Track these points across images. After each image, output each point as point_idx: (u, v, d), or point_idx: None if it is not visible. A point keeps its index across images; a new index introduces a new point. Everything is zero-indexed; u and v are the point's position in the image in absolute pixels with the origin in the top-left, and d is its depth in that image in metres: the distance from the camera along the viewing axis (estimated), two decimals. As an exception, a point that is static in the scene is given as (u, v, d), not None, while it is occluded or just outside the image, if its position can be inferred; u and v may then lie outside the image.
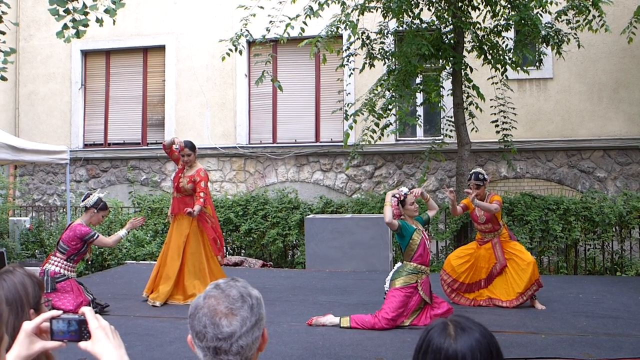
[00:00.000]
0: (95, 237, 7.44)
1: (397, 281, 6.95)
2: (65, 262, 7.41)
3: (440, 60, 11.64)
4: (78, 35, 7.32)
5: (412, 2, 11.03)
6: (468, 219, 11.57)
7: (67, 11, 7.35)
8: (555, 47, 11.30)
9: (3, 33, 8.49)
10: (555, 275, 11.25)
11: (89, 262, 11.91)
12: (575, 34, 11.20)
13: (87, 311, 1.85)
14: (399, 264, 7.25)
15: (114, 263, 12.31)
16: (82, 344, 1.84)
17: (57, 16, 7.24)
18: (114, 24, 8.38)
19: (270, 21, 10.33)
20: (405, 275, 6.94)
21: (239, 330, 1.83)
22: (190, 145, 8.58)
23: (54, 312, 1.88)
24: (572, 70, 13.52)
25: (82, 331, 1.85)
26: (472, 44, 11.49)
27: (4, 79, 8.53)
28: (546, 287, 9.26)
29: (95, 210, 7.60)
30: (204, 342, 1.84)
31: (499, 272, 8.02)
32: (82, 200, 7.68)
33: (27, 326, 1.85)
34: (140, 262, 12.27)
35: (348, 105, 12.21)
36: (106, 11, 7.30)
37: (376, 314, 6.79)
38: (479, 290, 8.13)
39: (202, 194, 8.24)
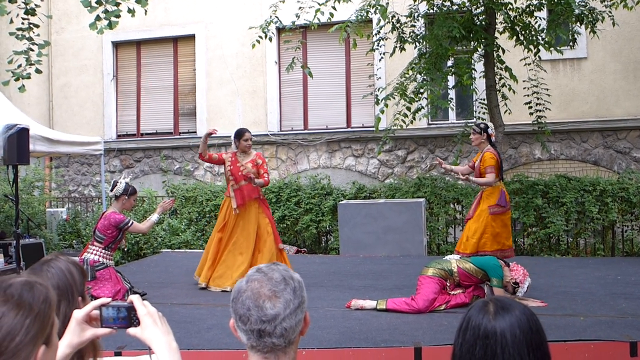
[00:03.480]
0: (129, 224, 7.51)
1: (429, 270, 6.92)
2: (103, 251, 7.50)
3: (472, 43, 11.52)
4: (110, 26, 7.37)
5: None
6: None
7: (99, 2, 7.40)
8: (589, 26, 11.09)
9: (37, 26, 8.57)
10: (592, 257, 11.12)
11: (125, 250, 12.07)
12: (610, 11, 11.00)
13: (136, 298, 1.88)
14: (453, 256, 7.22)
15: (149, 252, 12.45)
16: (132, 330, 1.87)
17: (89, 8, 7.29)
18: (145, 14, 8.41)
19: (300, 7, 10.31)
20: (439, 270, 6.90)
21: (282, 312, 1.84)
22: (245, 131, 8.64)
23: (104, 300, 1.91)
24: (606, 49, 13.29)
25: (131, 318, 1.88)
26: (504, 25, 11.34)
27: (38, 71, 8.62)
28: (584, 269, 9.17)
29: (126, 197, 7.65)
30: (247, 325, 1.85)
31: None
32: (111, 190, 7.73)
33: (78, 314, 1.89)
34: (176, 250, 12.39)
35: (379, 90, 12.15)
36: (137, 1, 7.33)
37: (412, 297, 6.78)
38: None
39: (266, 175, 8.41)
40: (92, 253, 7.50)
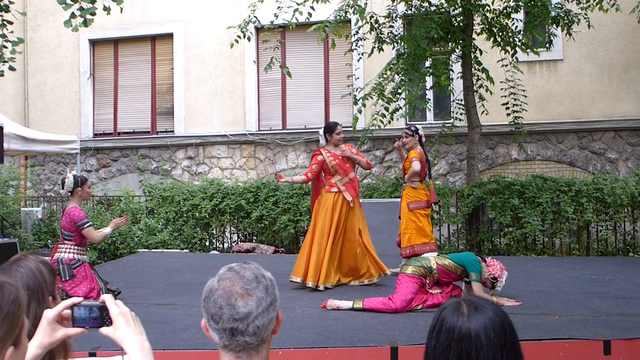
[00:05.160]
0: (85, 226, 7.41)
1: (408, 268, 6.93)
2: (75, 248, 7.43)
3: (450, 44, 11.59)
4: (86, 24, 7.30)
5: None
6: (480, 202, 11.55)
7: (74, 0, 7.33)
8: (565, 28, 11.20)
9: (10, 23, 8.49)
10: (567, 257, 11.22)
11: (102, 250, 11.97)
12: (586, 14, 11.12)
13: (108, 298, 1.86)
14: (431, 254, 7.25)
15: (126, 252, 12.36)
16: (104, 330, 1.85)
17: (64, 5, 7.23)
18: (121, 11, 8.36)
19: (278, 7, 10.30)
20: (418, 267, 6.91)
21: (255, 310, 1.83)
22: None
23: (75, 299, 1.89)
24: (582, 51, 13.42)
25: (103, 317, 1.86)
26: (482, 26, 11.42)
27: (12, 69, 8.54)
28: (559, 269, 9.25)
29: (79, 188, 7.57)
30: (220, 323, 1.84)
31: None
32: (62, 189, 7.63)
33: (49, 314, 1.86)
34: (153, 250, 12.32)
35: (357, 90, 12.17)
36: (113, -1, 7.29)
37: (389, 296, 6.79)
38: None
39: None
40: (65, 252, 7.41)
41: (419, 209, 8.39)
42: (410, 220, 8.40)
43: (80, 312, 1.88)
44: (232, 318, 1.82)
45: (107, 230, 7.61)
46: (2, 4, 8.20)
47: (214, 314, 1.85)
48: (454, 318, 1.82)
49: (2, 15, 8.32)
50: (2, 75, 8.35)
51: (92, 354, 5.00)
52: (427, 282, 6.91)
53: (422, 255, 7.47)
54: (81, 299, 1.90)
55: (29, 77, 16.30)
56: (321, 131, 8.55)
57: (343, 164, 8.33)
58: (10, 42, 8.28)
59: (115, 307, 1.86)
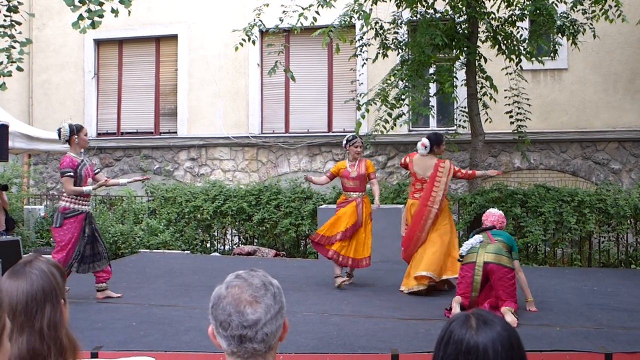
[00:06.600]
0: (65, 175, 7.44)
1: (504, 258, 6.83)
2: (72, 197, 7.49)
3: (454, 51, 11.59)
4: (94, 25, 7.32)
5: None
6: (482, 210, 11.53)
7: (82, 1, 7.35)
8: (571, 38, 11.21)
9: (19, 23, 8.51)
10: (569, 268, 11.20)
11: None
12: (591, 24, 11.12)
13: None
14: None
15: (127, 252, 12.38)
16: None
17: (72, 7, 7.24)
18: (129, 14, 8.37)
19: (284, 11, 10.32)
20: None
21: (263, 317, 1.85)
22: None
23: None
24: (587, 61, 13.42)
25: None
26: (487, 34, 11.43)
27: (20, 69, 8.56)
28: (560, 279, 9.25)
29: (76, 136, 7.58)
30: (228, 330, 1.85)
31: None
32: (60, 139, 7.66)
33: None
34: (154, 250, 12.32)
35: (361, 95, 12.18)
36: (121, 1, 7.30)
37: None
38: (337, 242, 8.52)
39: None
40: (62, 200, 7.59)
41: None
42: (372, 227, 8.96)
43: None
44: (240, 325, 1.83)
45: (86, 188, 7.51)
46: (10, 5, 8.21)
47: (223, 321, 1.85)
48: (462, 331, 1.83)
49: (10, 16, 8.33)
50: (10, 75, 8.37)
51: (94, 355, 5.01)
52: None
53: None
54: None
55: (33, 75, 16.32)
56: (426, 141, 8.49)
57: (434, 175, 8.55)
58: (18, 42, 8.29)
59: None
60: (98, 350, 5.11)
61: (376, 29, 11.65)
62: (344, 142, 8.78)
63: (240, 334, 1.83)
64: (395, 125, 11.63)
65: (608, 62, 13.39)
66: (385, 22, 11.80)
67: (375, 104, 11.21)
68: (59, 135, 7.57)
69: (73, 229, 7.49)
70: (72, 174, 7.44)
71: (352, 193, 8.66)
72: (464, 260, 6.87)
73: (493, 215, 7.36)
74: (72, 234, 7.48)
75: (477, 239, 6.90)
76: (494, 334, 1.81)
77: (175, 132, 15.61)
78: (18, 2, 8.40)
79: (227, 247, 13.48)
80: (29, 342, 2.03)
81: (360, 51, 11.86)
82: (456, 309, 6.53)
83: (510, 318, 6.13)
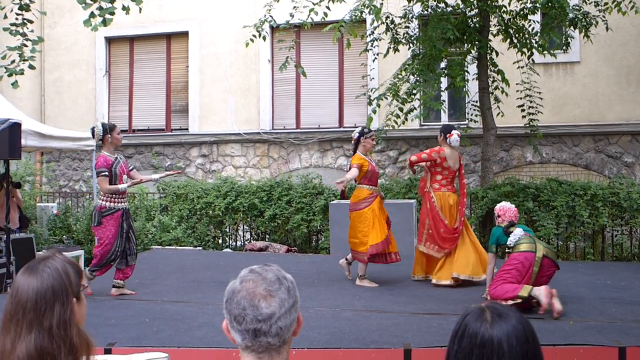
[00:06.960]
0: (100, 174, 7.52)
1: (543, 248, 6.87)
2: (107, 195, 7.58)
3: (466, 45, 11.53)
4: (105, 23, 7.34)
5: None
6: (494, 204, 11.50)
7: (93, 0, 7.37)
8: (583, 30, 11.13)
9: (31, 22, 8.54)
10: (582, 262, 11.16)
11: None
12: (604, 16, 11.04)
13: None
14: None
15: (140, 248, 12.39)
16: None
17: (84, 4, 7.26)
18: (140, 11, 8.39)
19: (294, 7, 10.30)
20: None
21: (278, 311, 1.86)
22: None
23: None
24: (599, 54, 13.34)
25: None
26: (498, 27, 11.36)
27: (32, 67, 8.59)
28: (573, 273, 9.20)
29: (109, 135, 7.66)
30: (243, 324, 1.85)
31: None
32: (93, 138, 7.78)
33: None
34: (166, 247, 12.37)
35: (372, 90, 12.15)
36: (132, -2, 7.32)
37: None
38: None
39: None
40: (100, 199, 7.67)
41: (354, 210, 8.48)
42: (354, 220, 8.51)
43: None
44: (255, 319, 1.84)
45: (122, 186, 7.64)
46: (22, 3, 8.24)
47: (237, 315, 1.86)
48: (477, 324, 1.83)
49: (22, 14, 8.37)
50: (22, 73, 8.41)
51: (108, 350, 5.03)
52: None
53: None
54: None
55: (45, 73, 16.40)
56: (458, 132, 8.62)
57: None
58: (30, 40, 8.33)
59: None
60: (111, 346, 5.13)
61: (387, 23, 11.62)
62: (356, 134, 8.58)
63: (254, 327, 1.84)
64: (406, 120, 11.61)
65: (621, 55, 13.30)
66: (396, 17, 11.77)
67: (387, 98, 11.19)
68: (93, 134, 7.72)
69: (110, 226, 7.61)
70: (106, 173, 7.55)
71: (374, 187, 8.59)
72: (515, 249, 6.85)
73: (510, 210, 7.34)
74: (110, 231, 7.59)
75: (520, 231, 6.97)
76: (509, 327, 1.81)
77: (187, 129, 15.65)
78: (30, 0, 8.43)
79: (239, 243, 13.51)
80: (37, 341, 2.04)
81: (371, 46, 11.84)
82: (547, 298, 6.42)
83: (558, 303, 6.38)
